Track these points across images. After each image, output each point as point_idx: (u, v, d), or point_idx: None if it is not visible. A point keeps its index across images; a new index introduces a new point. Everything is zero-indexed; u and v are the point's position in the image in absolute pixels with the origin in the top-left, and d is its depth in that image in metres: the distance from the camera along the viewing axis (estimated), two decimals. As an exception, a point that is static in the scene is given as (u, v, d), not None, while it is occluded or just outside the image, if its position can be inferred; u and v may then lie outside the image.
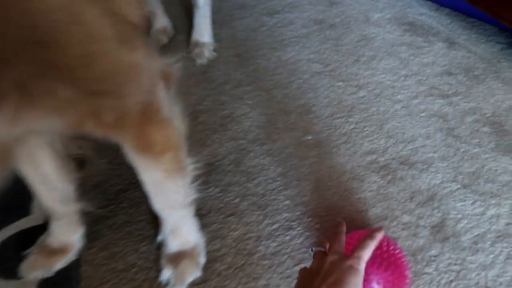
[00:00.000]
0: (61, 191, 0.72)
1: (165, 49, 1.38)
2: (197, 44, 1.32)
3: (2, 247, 0.82)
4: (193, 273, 0.77)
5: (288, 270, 0.79)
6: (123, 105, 0.47)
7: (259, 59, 1.33)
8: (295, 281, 0.77)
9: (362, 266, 0.59)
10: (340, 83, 1.22)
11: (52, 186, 0.70)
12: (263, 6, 1.58)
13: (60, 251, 0.79)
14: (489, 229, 0.85)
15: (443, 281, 0.77)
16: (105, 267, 0.81)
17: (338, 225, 0.76)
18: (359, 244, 0.63)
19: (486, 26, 1.41)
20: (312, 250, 0.68)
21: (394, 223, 0.87)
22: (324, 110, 1.14)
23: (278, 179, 0.97)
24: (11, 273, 0.78)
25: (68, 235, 0.79)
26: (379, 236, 0.65)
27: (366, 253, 0.61)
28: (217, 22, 1.47)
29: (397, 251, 0.73)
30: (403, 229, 0.86)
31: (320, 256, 0.65)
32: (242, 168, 0.99)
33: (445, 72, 1.24)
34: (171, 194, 0.70)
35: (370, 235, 0.65)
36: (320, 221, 0.88)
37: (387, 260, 0.69)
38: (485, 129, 1.06)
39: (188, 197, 0.74)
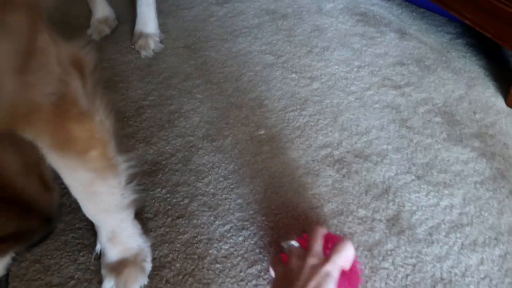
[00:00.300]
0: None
1: (107, 40, 1.29)
2: (141, 35, 1.24)
3: None
4: (138, 282, 0.71)
5: (242, 273, 0.75)
6: (30, 97, 0.40)
7: (208, 51, 1.27)
8: (249, 285, 0.73)
9: (337, 272, 0.57)
10: (293, 75, 1.18)
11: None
12: None
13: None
14: (443, 220, 0.84)
15: (399, 275, 0.76)
16: (38, 282, 0.73)
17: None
18: (336, 248, 0.60)
19: (436, 17, 1.42)
20: (287, 245, 0.64)
21: (350, 218, 0.84)
22: (277, 103, 1.10)
23: (230, 177, 0.91)
24: None
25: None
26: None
27: (341, 259, 0.59)
28: (163, 11, 1.39)
29: None
30: (359, 223, 0.83)
31: (298, 254, 0.61)
32: (191, 166, 0.93)
33: (397, 62, 1.23)
34: (104, 197, 0.63)
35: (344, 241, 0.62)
36: (274, 220, 0.84)
37: None
38: (437, 119, 1.06)
39: (125, 198, 0.67)
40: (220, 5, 1.46)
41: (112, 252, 0.72)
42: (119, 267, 0.71)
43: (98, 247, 0.75)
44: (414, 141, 1.00)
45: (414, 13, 1.44)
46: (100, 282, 0.72)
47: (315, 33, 1.35)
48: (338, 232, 0.82)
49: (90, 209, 0.65)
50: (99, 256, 0.75)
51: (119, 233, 0.71)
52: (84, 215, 0.79)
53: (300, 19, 1.41)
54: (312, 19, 1.41)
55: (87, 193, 0.61)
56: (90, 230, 0.80)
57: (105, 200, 0.64)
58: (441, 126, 1.04)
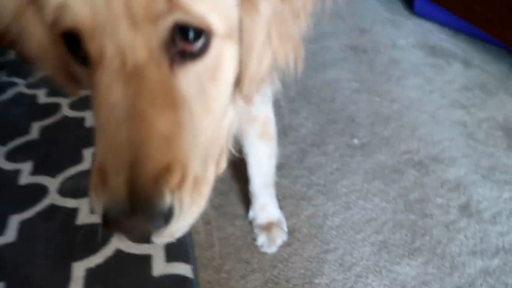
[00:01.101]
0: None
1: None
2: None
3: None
4: (281, 237, 1.02)
5: (352, 238, 1.04)
6: None
7: (305, 79, 1.60)
8: (359, 244, 1.02)
9: None
10: (377, 98, 1.49)
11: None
12: (304, 35, 1.86)
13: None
14: (505, 207, 1.09)
15: (470, 244, 1.02)
16: (210, 236, 1.07)
17: None
18: None
19: (496, 49, 1.67)
20: None
21: (430, 204, 1.12)
22: (366, 120, 1.40)
23: (334, 173, 1.22)
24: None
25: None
26: None
27: None
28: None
29: None
30: (437, 208, 1.11)
31: None
32: (305, 165, 1.25)
33: (463, 87, 1.50)
34: (266, 168, 0.98)
35: None
36: (372, 203, 1.13)
37: None
38: (499, 133, 1.31)
39: (273, 177, 1.01)
40: (311, 43, 1.80)
41: (262, 218, 1.04)
42: (267, 227, 1.03)
43: (251, 214, 1.07)
44: (479, 149, 1.26)
45: (476, 46, 1.70)
46: (252, 238, 1.05)
47: (391, 64, 1.65)
48: (421, 214, 1.09)
49: (258, 182, 0.99)
50: (251, 221, 1.08)
51: (268, 204, 1.04)
52: (232, 197, 1.13)
53: (378, 53, 1.72)
54: (388, 53, 1.71)
55: (259, 165, 0.95)
56: (240, 204, 1.13)
57: (267, 173, 0.98)
58: (502, 138, 1.29)
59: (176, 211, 0.40)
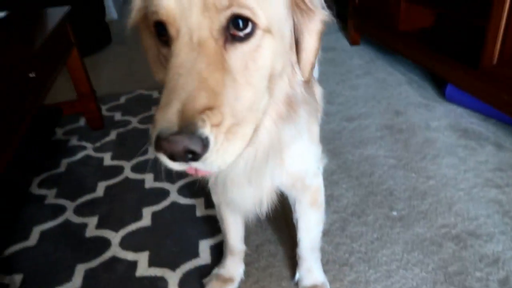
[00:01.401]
0: (242, 234, 1.10)
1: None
2: None
3: (184, 277, 1.18)
4: (326, 301, 1.08)
5: (393, 304, 1.09)
6: None
7: (345, 154, 1.73)
8: (400, 311, 1.07)
9: None
10: (413, 174, 1.58)
11: (240, 229, 1.08)
12: (343, 114, 2.02)
13: (230, 280, 1.13)
14: (545, 284, 1.13)
15: (512, 318, 1.04)
16: (258, 295, 1.14)
17: None
18: None
19: (527, 134, 1.76)
20: None
21: (469, 277, 1.16)
22: (403, 194, 1.49)
23: (375, 242, 1.29)
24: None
25: (236, 268, 1.14)
26: None
27: None
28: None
29: None
30: (476, 281, 1.15)
31: None
32: (346, 233, 1.33)
33: (496, 168, 1.58)
34: (314, 232, 1.07)
35: None
36: (412, 273, 1.18)
37: None
38: (534, 212, 1.36)
39: (319, 242, 1.09)
40: (349, 122, 1.96)
41: (308, 280, 1.11)
42: (313, 289, 1.10)
43: (297, 276, 1.14)
44: (516, 227, 1.31)
45: (507, 130, 1.80)
46: (297, 299, 1.11)
47: (426, 143, 1.76)
48: (461, 286, 1.14)
49: (306, 246, 1.07)
50: (297, 282, 1.14)
51: (313, 267, 1.11)
52: (280, 259, 1.21)
53: (413, 133, 1.84)
54: (423, 133, 1.83)
55: (308, 230, 1.05)
56: (287, 266, 1.21)
57: (314, 238, 1.07)
58: (538, 217, 1.34)
59: (212, 143, 0.51)
